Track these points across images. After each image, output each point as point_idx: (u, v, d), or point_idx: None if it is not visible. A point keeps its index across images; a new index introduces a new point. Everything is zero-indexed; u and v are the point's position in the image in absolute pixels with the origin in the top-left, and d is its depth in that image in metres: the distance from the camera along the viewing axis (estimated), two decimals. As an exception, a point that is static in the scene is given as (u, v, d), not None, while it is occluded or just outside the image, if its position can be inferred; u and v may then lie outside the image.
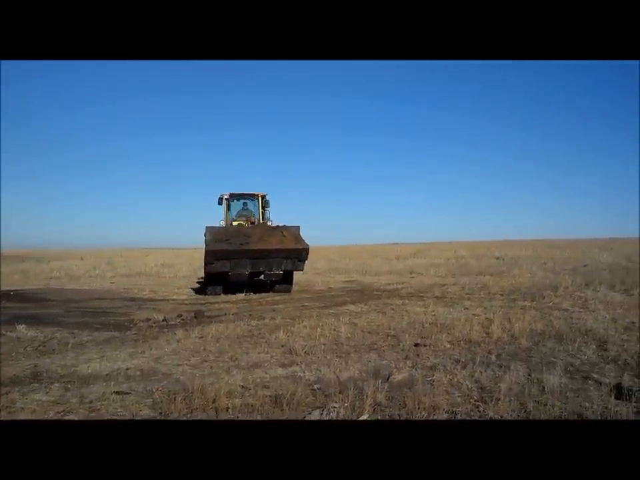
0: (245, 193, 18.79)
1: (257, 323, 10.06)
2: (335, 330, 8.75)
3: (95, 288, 19.77)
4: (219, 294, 16.09)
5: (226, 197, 18.41)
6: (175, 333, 8.98)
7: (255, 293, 16.23)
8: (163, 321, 10.77)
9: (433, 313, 10.45)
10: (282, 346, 7.72)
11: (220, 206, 18.51)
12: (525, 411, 4.78)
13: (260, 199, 18.67)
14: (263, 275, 15.88)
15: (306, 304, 13.39)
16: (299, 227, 16.20)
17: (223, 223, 17.85)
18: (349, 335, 8.34)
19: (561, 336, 7.89)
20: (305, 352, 7.23)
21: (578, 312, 10.30)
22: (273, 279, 16.37)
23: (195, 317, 11.10)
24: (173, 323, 10.63)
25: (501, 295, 13.97)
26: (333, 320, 9.88)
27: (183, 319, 11.06)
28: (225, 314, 11.68)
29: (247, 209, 18.72)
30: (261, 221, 18.16)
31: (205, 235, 15.40)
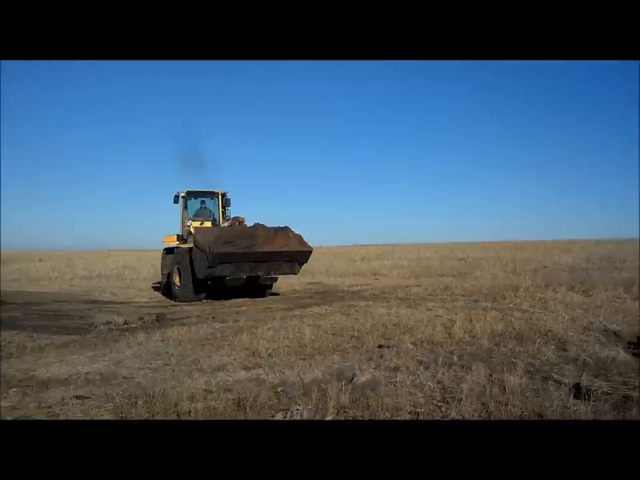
0: (203, 190, 17.49)
1: (220, 325, 9.98)
2: (298, 332, 8.72)
3: (54, 290, 19.38)
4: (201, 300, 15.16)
5: (183, 194, 16.99)
6: (136, 336, 8.83)
7: (249, 298, 15.35)
8: (124, 323, 10.60)
9: (397, 315, 10.50)
10: (245, 349, 7.67)
11: (176, 205, 17.25)
12: (486, 411, 4.83)
13: (220, 197, 17.41)
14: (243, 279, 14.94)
15: (270, 306, 13.33)
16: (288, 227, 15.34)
17: (189, 223, 16.33)
18: (313, 337, 8.33)
19: (522, 336, 8.00)
20: (269, 354, 7.19)
21: (538, 313, 10.46)
22: (268, 283, 15.74)
23: (157, 320, 10.95)
24: (134, 325, 10.47)
25: (463, 295, 14.14)
26: (297, 322, 9.86)
27: (144, 322, 10.91)
28: (188, 317, 11.56)
29: (205, 208, 17.42)
30: (221, 221, 17.11)
31: (194, 237, 14.38)
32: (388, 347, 7.51)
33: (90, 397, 5.47)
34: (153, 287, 19.77)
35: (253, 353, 7.33)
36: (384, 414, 4.77)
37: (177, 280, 15.64)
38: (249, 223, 15.89)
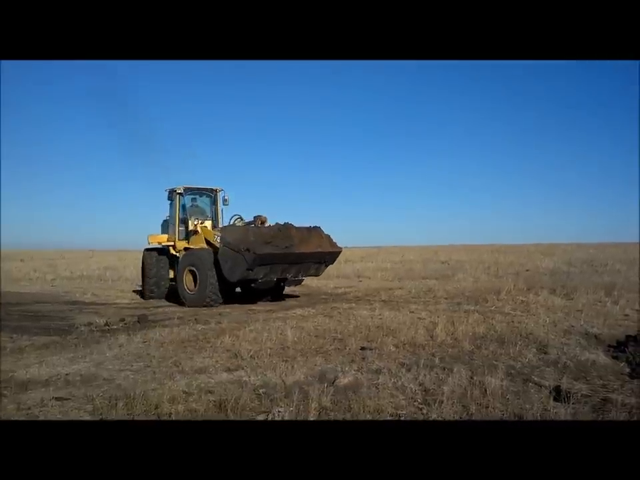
0: (202, 187, 16.38)
1: (202, 327, 9.93)
2: (281, 334, 8.70)
3: (35, 291, 19.18)
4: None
5: (179, 191, 15.62)
6: (117, 338, 8.78)
7: (272, 301, 14.80)
8: (105, 325, 10.49)
9: (380, 317, 10.52)
10: (227, 350, 7.64)
11: (169, 202, 16.12)
12: (467, 413, 4.85)
13: (217, 194, 16.31)
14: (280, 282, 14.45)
15: (253, 308, 13.28)
16: (319, 227, 14.72)
17: (197, 222, 15.06)
18: (296, 339, 8.31)
19: (503, 339, 8.06)
20: (251, 356, 7.16)
21: (520, 316, 10.54)
22: (293, 285, 15.29)
23: (139, 321, 10.86)
24: (115, 327, 10.37)
25: (446, 298, 14.18)
26: (280, 324, 9.84)
27: (125, 323, 10.82)
28: (170, 318, 11.49)
29: (197, 206, 16.24)
30: (220, 220, 16.04)
31: (223, 237, 13.25)
32: (370, 349, 7.52)
33: (70, 399, 5.43)
34: (134, 291, 19.35)
35: (235, 354, 7.30)
36: (365, 416, 4.78)
37: (189, 284, 14.19)
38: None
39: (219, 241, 13.66)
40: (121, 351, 7.83)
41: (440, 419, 4.73)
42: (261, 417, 4.75)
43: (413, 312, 11.32)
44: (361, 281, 21.72)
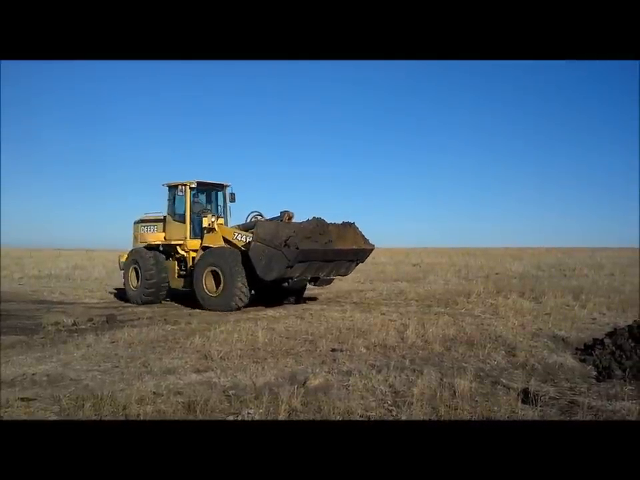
0: (213, 182, 15.23)
1: (172, 327, 9.85)
2: (252, 335, 8.67)
3: (2, 290, 18.81)
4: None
5: (192, 185, 14.33)
6: (85, 338, 8.66)
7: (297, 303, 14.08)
8: (72, 324, 10.37)
9: (351, 318, 10.54)
10: (197, 351, 7.58)
11: (170, 198, 14.92)
12: (436, 415, 4.88)
13: (225, 190, 15.34)
14: (312, 281, 13.35)
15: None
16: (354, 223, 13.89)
17: (214, 219, 13.91)
18: (267, 340, 8.29)
19: (472, 341, 8.13)
20: (221, 357, 7.13)
21: (489, 318, 10.65)
22: (322, 285, 14.27)
23: (107, 321, 10.74)
24: (83, 327, 10.26)
25: (417, 300, 14.25)
26: (251, 325, 9.79)
27: (94, 323, 10.70)
28: (139, 318, 11.39)
29: (199, 202, 14.97)
30: (229, 217, 15.15)
31: (255, 232, 12.18)
32: (341, 351, 7.53)
33: (36, 399, 5.35)
34: (111, 293, 18.47)
35: (205, 355, 7.26)
36: (335, 417, 4.78)
37: (210, 285, 13.13)
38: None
39: (239, 239, 13.09)
40: (89, 351, 7.72)
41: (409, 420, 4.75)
42: (230, 419, 4.73)
43: (384, 314, 11.36)
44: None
